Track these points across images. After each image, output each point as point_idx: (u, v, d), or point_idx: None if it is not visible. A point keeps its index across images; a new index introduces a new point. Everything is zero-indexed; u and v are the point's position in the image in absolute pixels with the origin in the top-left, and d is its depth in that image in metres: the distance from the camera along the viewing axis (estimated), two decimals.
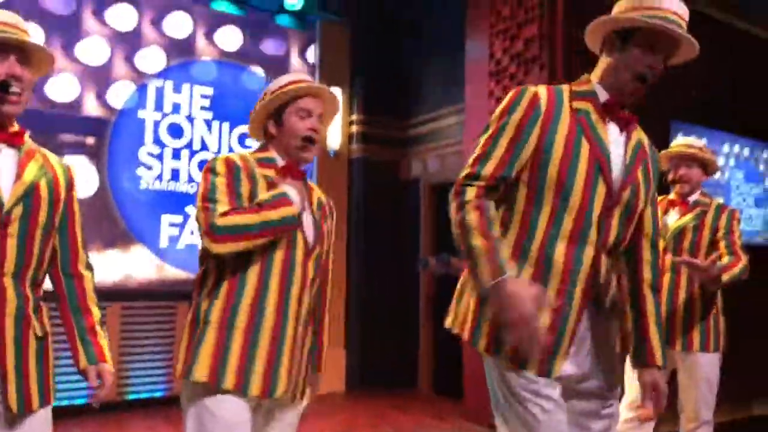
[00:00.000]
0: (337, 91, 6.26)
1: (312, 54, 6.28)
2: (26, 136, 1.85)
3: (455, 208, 1.73)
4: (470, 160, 1.77)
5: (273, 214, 1.78)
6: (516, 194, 1.77)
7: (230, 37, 5.81)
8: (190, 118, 5.55)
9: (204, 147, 5.55)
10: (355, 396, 5.86)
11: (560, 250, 1.72)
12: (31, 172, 1.80)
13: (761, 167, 5.90)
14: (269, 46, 6.02)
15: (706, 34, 5.12)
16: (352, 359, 6.11)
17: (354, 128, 6.39)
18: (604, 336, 1.82)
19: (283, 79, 2.00)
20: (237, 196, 1.82)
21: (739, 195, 5.73)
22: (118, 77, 5.25)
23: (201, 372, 1.77)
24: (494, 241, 1.66)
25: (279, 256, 1.85)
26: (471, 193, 1.72)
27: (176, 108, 5.52)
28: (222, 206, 1.78)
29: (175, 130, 5.50)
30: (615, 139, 1.80)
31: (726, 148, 5.60)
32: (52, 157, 1.93)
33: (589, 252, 1.73)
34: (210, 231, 1.76)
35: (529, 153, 1.74)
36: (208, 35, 5.72)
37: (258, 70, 5.91)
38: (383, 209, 6.30)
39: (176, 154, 5.47)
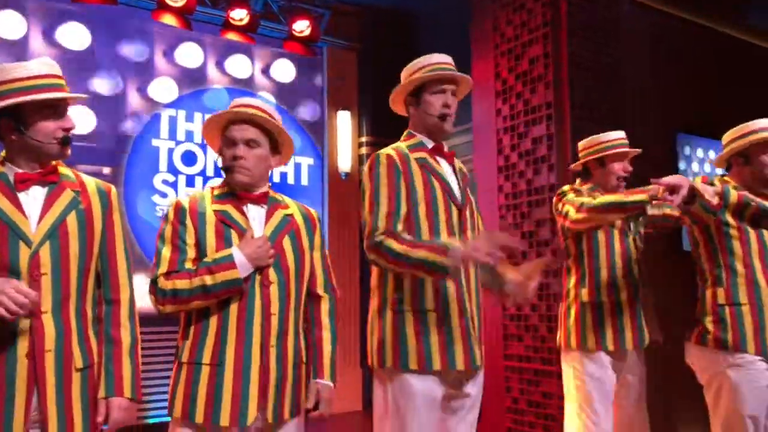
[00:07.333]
0: (345, 115, 6.38)
1: (320, 79, 6.39)
2: (60, 169, 1.90)
3: (377, 256, 2.09)
4: (366, 221, 2.15)
5: (209, 279, 1.87)
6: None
7: (240, 65, 5.92)
8: (203, 146, 5.65)
9: (218, 173, 5.64)
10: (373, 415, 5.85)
11: None
12: (57, 210, 1.83)
13: None
14: (278, 73, 6.13)
15: (710, 47, 5.18)
16: (369, 379, 6.12)
17: (363, 150, 6.47)
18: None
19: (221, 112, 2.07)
20: (181, 250, 1.95)
21: None
22: (131, 108, 5.37)
23: (176, 409, 1.91)
24: (422, 243, 2.05)
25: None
26: (379, 238, 2.08)
27: (189, 136, 5.63)
28: (164, 265, 1.94)
29: (189, 158, 5.61)
30: (448, 171, 2.29)
31: None
32: (90, 184, 1.95)
33: None
34: (153, 292, 1.94)
35: (405, 196, 2.16)
36: (219, 64, 5.84)
37: (268, 97, 6.02)
38: None
39: (190, 181, 5.57)
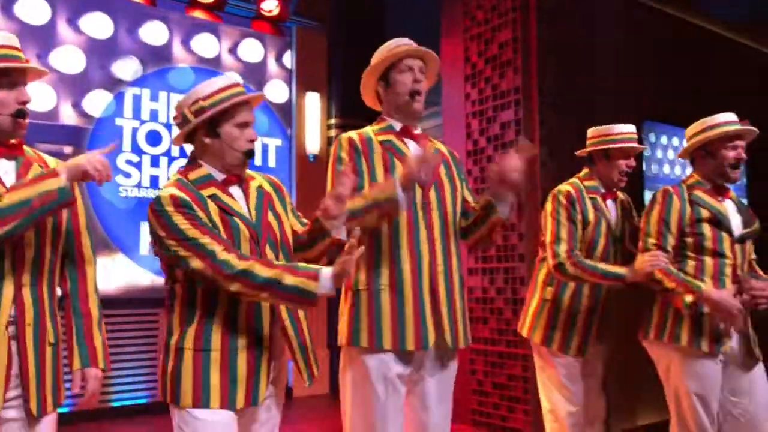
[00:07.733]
0: (314, 96, 6.33)
1: (289, 59, 6.31)
2: (24, 147, 1.91)
3: None
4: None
5: (288, 278, 1.75)
6: None
7: (207, 44, 5.82)
8: (167, 126, 5.55)
9: (183, 154, 5.56)
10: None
11: (404, 251, 2.18)
12: None
13: None
14: (246, 52, 6.04)
15: (678, 35, 5.25)
16: (337, 360, 6.10)
17: (332, 132, 6.43)
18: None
19: (214, 85, 1.97)
20: (212, 226, 1.84)
21: None
22: (94, 85, 5.24)
23: (186, 398, 1.82)
24: (363, 196, 2.06)
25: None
26: None
27: (154, 115, 5.52)
28: (215, 244, 1.78)
29: (154, 138, 5.50)
30: (416, 152, 2.24)
31: None
32: (51, 163, 1.97)
33: (423, 241, 2.20)
34: (218, 270, 1.76)
35: (367, 174, 2.20)
36: (185, 42, 5.72)
37: (235, 77, 5.92)
38: None
39: (155, 162, 5.47)
